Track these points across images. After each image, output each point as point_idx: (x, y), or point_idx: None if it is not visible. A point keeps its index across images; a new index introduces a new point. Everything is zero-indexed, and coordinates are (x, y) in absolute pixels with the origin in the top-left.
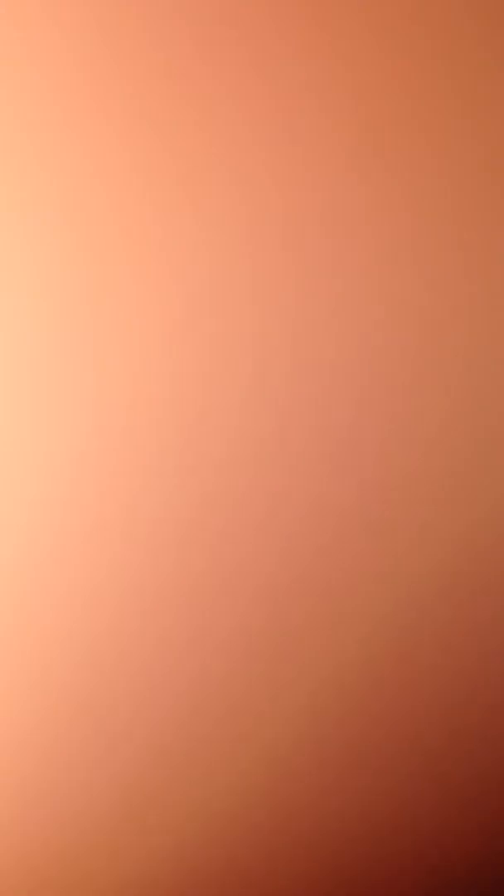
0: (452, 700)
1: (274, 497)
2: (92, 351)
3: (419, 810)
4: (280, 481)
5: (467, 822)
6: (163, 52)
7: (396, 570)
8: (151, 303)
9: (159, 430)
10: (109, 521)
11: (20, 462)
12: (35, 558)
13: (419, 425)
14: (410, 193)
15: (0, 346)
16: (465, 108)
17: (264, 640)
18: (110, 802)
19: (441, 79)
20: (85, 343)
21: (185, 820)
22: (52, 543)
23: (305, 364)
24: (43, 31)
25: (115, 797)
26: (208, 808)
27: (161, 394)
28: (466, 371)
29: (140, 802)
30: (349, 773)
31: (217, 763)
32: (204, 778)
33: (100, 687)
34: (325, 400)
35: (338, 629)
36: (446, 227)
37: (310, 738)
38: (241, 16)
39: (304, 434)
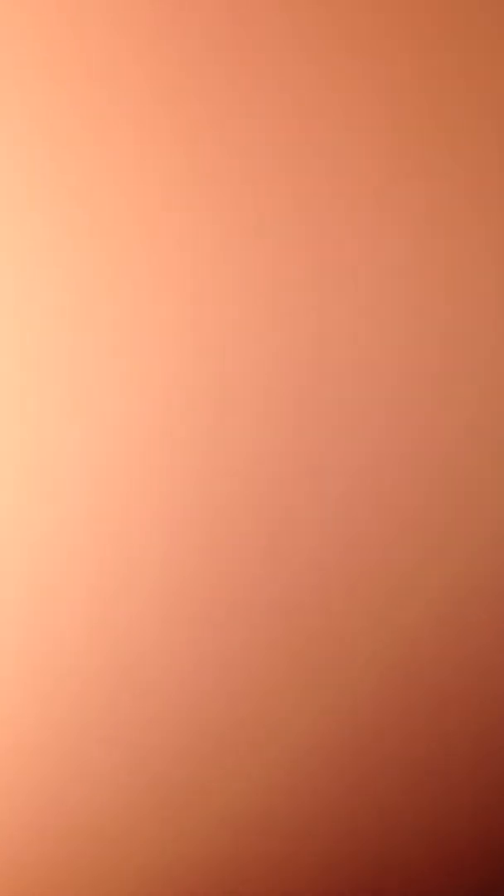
0: (458, 718)
1: (283, 507)
2: (102, 350)
3: (420, 832)
4: (290, 490)
5: (471, 846)
6: (171, 49)
7: (407, 585)
8: (158, 304)
9: (165, 436)
10: (110, 542)
11: (28, 461)
12: (44, 566)
13: (432, 430)
14: (421, 197)
15: (9, 346)
16: (481, 108)
17: (271, 658)
18: (113, 815)
19: (456, 79)
20: (94, 342)
21: (187, 838)
22: (55, 555)
23: (318, 368)
24: (52, 30)
25: (119, 811)
26: (211, 822)
27: (170, 397)
28: (486, 381)
29: (141, 817)
30: (352, 792)
31: (219, 781)
32: (205, 798)
33: (105, 703)
34: (338, 405)
35: (345, 646)
36: (461, 230)
37: (314, 758)
38: (248, 12)
39: (314, 441)
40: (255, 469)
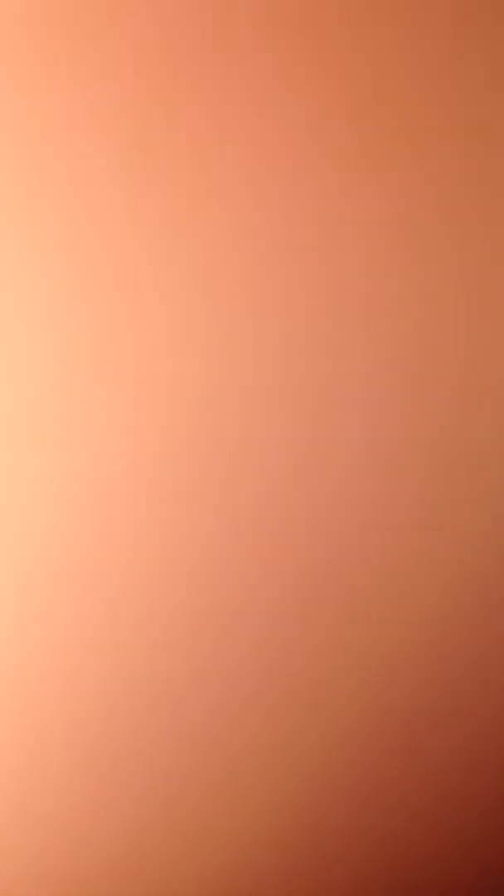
0: (465, 731)
1: (278, 512)
2: (102, 349)
3: (424, 845)
4: (282, 499)
5: (476, 860)
6: (160, 76)
7: (405, 592)
8: (150, 319)
9: (162, 443)
10: (107, 544)
11: (26, 475)
12: (38, 579)
13: (419, 436)
14: (404, 208)
15: (8, 345)
16: (457, 122)
17: (271, 674)
18: (113, 845)
19: (433, 93)
20: (93, 341)
21: (191, 861)
22: (53, 566)
23: (303, 379)
24: (41, 61)
25: (120, 836)
26: (216, 846)
27: (162, 404)
28: (462, 384)
29: (144, 842)
30: (358, 811)
31: (221, 804)
32: (208, 823)
33: (106, 722)
34: (327, 416)
35: (345, 654)
36: (439, 241)
37: (319, 775)
38: (236, 39)
39: (305, 449)
40: (252, 471)
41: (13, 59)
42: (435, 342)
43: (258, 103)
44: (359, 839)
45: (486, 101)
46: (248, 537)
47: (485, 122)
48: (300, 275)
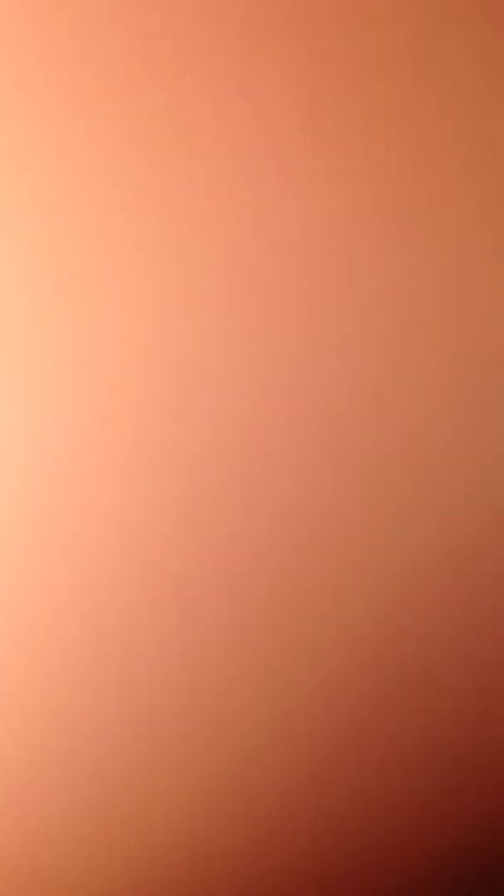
0: (452, 703)
1: (272, 501)
2: (100, 346)
3: (420, 835)
4: (278, 485)
5: (466, 830)
6: (155, 62)
7: (394, 567)
8: (141, 314)
9: (155, 438)
10: (97, 531)
11: (14, 462)
12: (29, 558)
13: (421, 427)
14: (398, 194)
15: (8, 345)
16: (452, 111)
17: (262, 642)
18: (104, 803)
19: (430, 93)
20: (78, 345)
21: (183, 822)
22: (43, 553)
23: (314, 367)
24: (40, 52)
25: (110, 798)
26: (205, 808)
27: (154, 399)
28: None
29: (135, 802)
30: (347, 773)
31: (212, 764)
32: (199, 780)
33: (95, 687)
34: (326, 407)
35: (336, 620)
36: (459, 233)
37: (307, 737)
38: (234, 36)
39: (302, 439)
40: (248, 468)
41: (12, 45)
42: (448, 338)
43: (254, 89)
44: (359, 808)
45: (483, 90)
46: (246, 510)
47: (482, 110)
48: (289, 260)
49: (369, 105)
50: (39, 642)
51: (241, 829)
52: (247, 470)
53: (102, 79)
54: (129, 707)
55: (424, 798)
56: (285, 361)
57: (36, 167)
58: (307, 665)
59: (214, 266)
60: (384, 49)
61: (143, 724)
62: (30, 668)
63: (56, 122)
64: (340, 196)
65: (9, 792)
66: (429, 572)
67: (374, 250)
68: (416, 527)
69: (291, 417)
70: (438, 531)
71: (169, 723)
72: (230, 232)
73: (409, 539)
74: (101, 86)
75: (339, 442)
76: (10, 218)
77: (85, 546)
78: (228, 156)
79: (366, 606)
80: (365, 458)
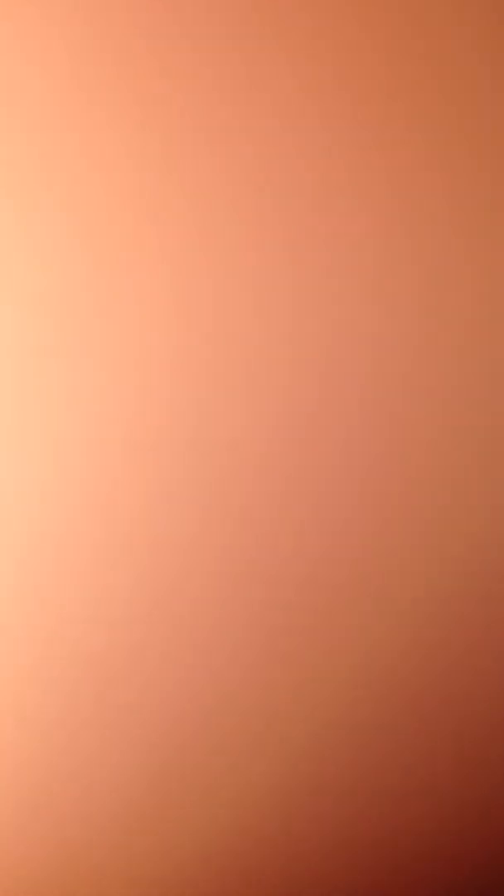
0: (458, 714)
1: (276, 501)
2: (95, 351)
3: (421, 836)
4: (281, 486)
5: (471, 845)
6: (164, 57)
7: (400, 576)
8: (153, 308)
9: (161, 434)
10: (104, 537)
11: (24, 460)
12: (36, 563)
13: (421, 427)
14: (409, 197)
15: (7, 343)
16: (461, 110)
17: (267, 652)
18: (112, 814)
19: (438, 82)
20: (88, 342)
21: (186, 836)
22: (49, 552)
23: (306, 368)
24: (44, 37)
25: (117, 811)
26: (209, 823)
27: (164, 393)
28: (468, 376)
29: (141, 816)
30: (350, 795)
31: (217, 779)
32: (204, 796)
33: (103, 699)
34: (326, 403)
35: (343, 636)
36: (445, 229)
37: (311, 758)
38: (241, 23)
39: (305, 439)
40: (247, 467)
41: (14, 29)
42: (442, 323)
43: (262, 77)
44: (360, 808)
45: (489, 80)
46: (248, 517)
47: (490, 101)
48: (303, 251)
49: (376, 91)
50: (60, 652)
51: (246, 843)
52: (268, 483)
53: (109, 66)
54: (143, 717)
55: (434, 830)
56: (307, 362)
57: (41, 141)
58: (331, 693)
59: (233, 264)
60: (387, 43)
61: (151, 734)
62: (52, 675)
63: (65, 107)
64: (360, 190)
65: (13, 795)
66: (454, 590)
67: (400, 245)
68: (440, 542)
69: (311, 427)
70: (463, 548)
71: (179, 741)
72: (248, 226)
73: (431, 552)
74: (106, 73)
75: (364, 455)
76: (21, 212)
77: (108, 558)
78: (239, 145)
79: (391, 628)
80: (392, 470)
